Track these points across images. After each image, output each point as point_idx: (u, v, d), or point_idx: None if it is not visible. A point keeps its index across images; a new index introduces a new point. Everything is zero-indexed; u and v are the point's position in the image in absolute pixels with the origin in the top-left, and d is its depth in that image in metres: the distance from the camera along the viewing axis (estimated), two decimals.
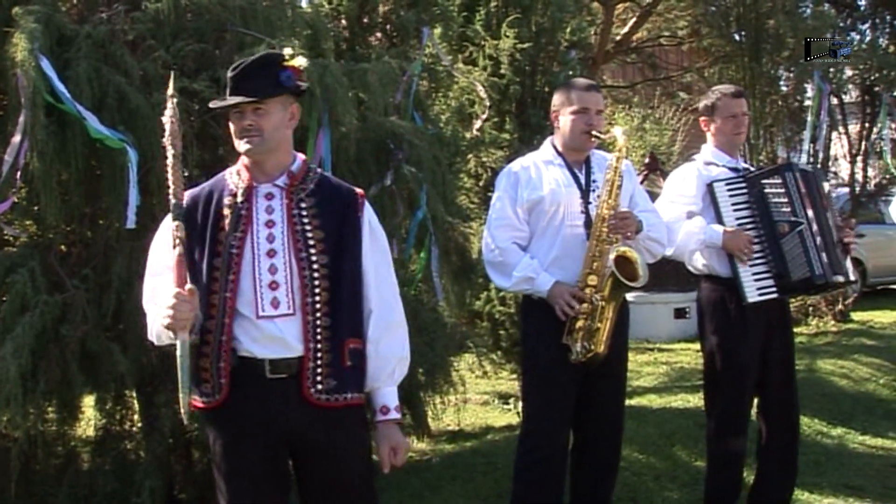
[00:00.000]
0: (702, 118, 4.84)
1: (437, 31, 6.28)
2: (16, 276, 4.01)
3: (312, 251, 2.92)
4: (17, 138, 3.94)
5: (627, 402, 4.35)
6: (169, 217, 2.93)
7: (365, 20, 5.88)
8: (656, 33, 12.92)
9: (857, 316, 11.40)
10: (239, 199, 2.98)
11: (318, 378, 2.88)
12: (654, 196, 4.74)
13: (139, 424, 4.61)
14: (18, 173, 4.00)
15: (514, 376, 7.70)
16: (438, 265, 5.34)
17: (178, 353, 2.82)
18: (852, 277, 4.77)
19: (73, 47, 4.13)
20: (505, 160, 6.25)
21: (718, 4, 10.25)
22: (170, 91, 2.90)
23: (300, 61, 2.98)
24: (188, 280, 2.82)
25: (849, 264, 4.77)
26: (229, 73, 2.96)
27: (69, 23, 4.27)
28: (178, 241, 2.82)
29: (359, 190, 3.10)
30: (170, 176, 2.87)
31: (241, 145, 2.95)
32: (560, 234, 4.10)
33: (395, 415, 3.03)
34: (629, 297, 4.36)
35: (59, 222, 4.34)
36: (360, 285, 2.98)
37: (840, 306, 10.95)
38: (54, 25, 4.13)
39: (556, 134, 4.25)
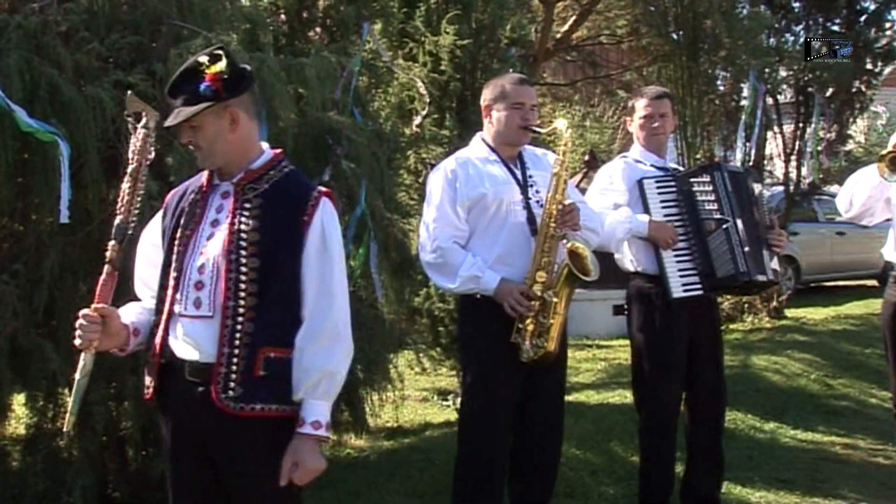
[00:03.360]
0: (626, 118, 4.94)
1: (378, 26, 6.27)
2: None
3: (243, 252, 2.81)
4: None
5: (565, 398, 4.37)
6: (155, 217, 2.98)
7: (304, 15, 5.85)
8: (596, 32, 13.00)
9: (790, 313, 11.62)
10: (198, 197, 2.96)
11: (231, 385, 2.77)
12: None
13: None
14: None
15: (454, 373, 7.72)
16: (377, 261, 5.34)
17: (77, 373, 2.79)
18: (774, 277, 4.84)
19: (3, 38, 4.04)
20: (444, 156, 6.23)
21: (657, 4, 10.33)
22: (127, 112, 2.85)
23: (220, 65, 2.82)
24: (107, 301, 2.79)
25: (775, 264, 4.84)
26: (166, 89, 2.89)
27: None
28: (108, 261, 2.78)
29: (321, 190, 2.93)
30: (121, 194, 2.82)
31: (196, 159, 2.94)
32: (503, 231, 4.04)
33: (308, 429, 2.79)
34: None
35: None
36: (296, 293, 2.83)
37: (774, 303, 11.15)
38: None
39: (487, 129, 4.19)
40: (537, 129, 4.14)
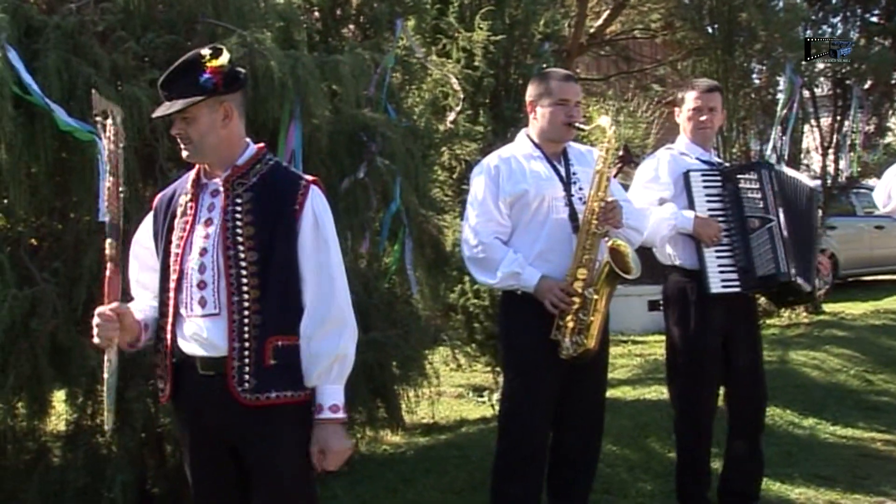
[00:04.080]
0: (675, 108, 4.88)
1: (411, 23, 6.26)
2: None
3: (241, 248, 2.85)
4: None
5: None
6: (145, 220, 3.01)
7: (338, 12, 5.85)
8: (630, 26, 12.94)
9: (828, 308, 11.50)
10: (188, 197, 2.98)
11: (245, 377, 2.82)
12: (626, 188, 4.75)
13: None
14: None
15: (489, 369, 7.72)
16: (412, 258, 5.33)
17: (105, 372, 2.85)
18: (813, 290, 4.78)
19: (41, 38, 4.09)
20: (479, 153, 6.24)
21: None
22: (105, 109, 2.86)
23: (221, 60, 2.87)
24: (116, 298, 2.83)
25: (817, 281, 4.79)
26: (159, 81, 2.91)
27: (37, 13, 4.22)
28: (108, 259, 2.82)
29: (308, 178, 2.97)
30: (105, 194, 2.86)
31: (183, 151, 2.95)
32: (545, 228, 4.03)
33: (327, 414, 2.86)
34: None
35: (28, 215, 4.31)
36: (296, 281, 2.88)
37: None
38: (22, 16, 4.08)
39: (532, 126, 4.18)
40: (581, 126, 4.11)
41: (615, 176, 4.36)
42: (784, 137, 9.37)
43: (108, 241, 2.83)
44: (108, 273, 2.83)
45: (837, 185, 11.27)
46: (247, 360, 2.82)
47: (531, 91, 4.19)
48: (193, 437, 2.99)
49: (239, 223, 2.88)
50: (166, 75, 2.89)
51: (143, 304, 3.04)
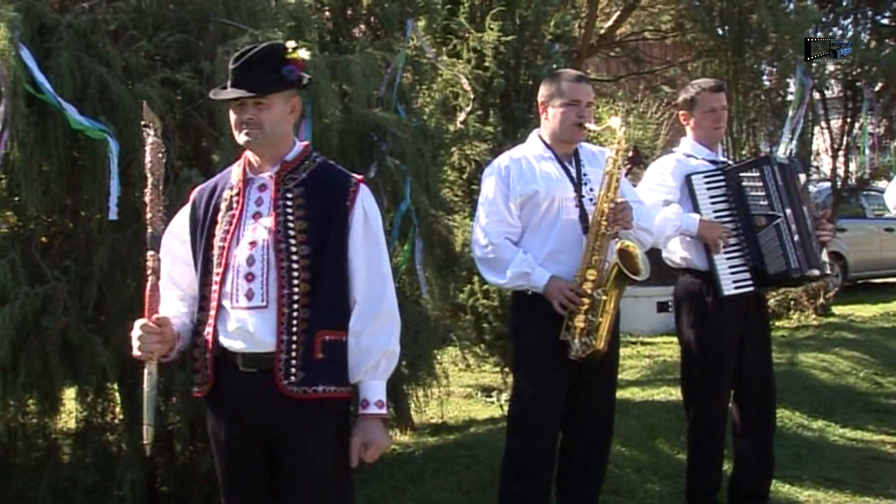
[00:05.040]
0: (681, 112, 4.86)
1: (422, 23, 6.26)
2: None
3: (293, 241, 2.88)
4: None
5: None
6: (180, 214, 3.03)
7: (349, 12, 5.86)
8: (640, 27, 12.92)
9: (837, 310, 11.48)
10: (233, 192, 2.99)
11: (292, 370, 2.84)
12: None
13: (121, 417, 4.58)
14: None
15: (497, 369, 7.72)
16: (422, 258, 5.33)
17: (145, 385, 2.85)
18: (827, 270, 4.78)
19: (54, 37, 4.10)
20: (489, 153, 6.24)
21: None
22: (145, 121, 2.87)
23: (303, 54, 2.95)
24: (158, 310, 2.84)
25: (824, 256, 4.78)
26: (231, 64, 2.92)
27: (50, 12, 4.24)
28: (151, 271, 2.82)
29: (357, 177, 3.03)
30: (148, 206, 2.85)
31: (240, 137, 2.94)
32: (555, 228, 4.03)
33: (374, 409, 2.92)
34: None
35: (40, 213, 4.33)
36: (345, 276, 2.92)
37: (821, 300, 11.01)
38: (35, 15, 4.10)
39: (544, 126, 4.18)
40: (591, 127, 4.10)
41: (625, 176, 4.36)
42: (794, 140, 9.35)
43: (150, 252, 2.83)
44: (149, 285, 2.82)
45: (847, 188, 11.25)
46: (294, 354, 2.84)
47: (543, 92, 4.19)
48: (230, 434, 2.97)
49: (291, 217, 2.90)
50: (244, 60, 2.90)
51: (173, 310, 3.02)
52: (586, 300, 3.91)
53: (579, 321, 3.93)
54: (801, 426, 6.60)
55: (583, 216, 4.02)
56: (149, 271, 2.82)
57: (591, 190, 4.05)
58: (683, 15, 11.04)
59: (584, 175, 4.10)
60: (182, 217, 3.09)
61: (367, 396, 2.93)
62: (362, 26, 5.97)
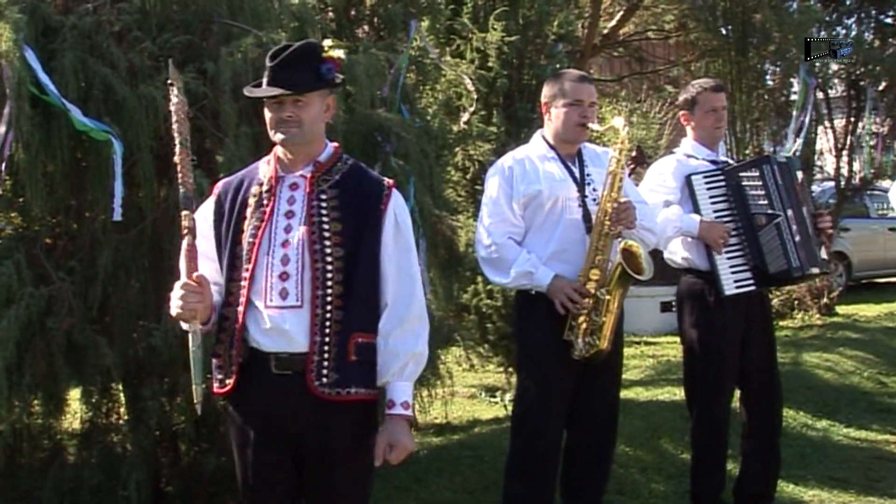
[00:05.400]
0: (682, 112, 4.86)
1: (425, 23, 6.26)
2: (1, 268, 3.98)
3: (327, 243, 2.88)
4: (1, 129, 3.92)
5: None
6: (202, 208, 2.99)
7: (352, 12, 5.87)
8: (643, 27, 12.92)
9: (841, 309, 11.47)
10: (264, 188, 2.98)
11: (324, 371, 2.84)
12: None
13: (125, 417, 4.59)
14: (3, 165, 3.97)
15: (501, 369, 7.72)
16: (426, 258, 5.33)
17: (191, 345, 2.83)
18: (828, 268, 4.78)
19: (58, 38, 4.11)
20: (492, 153, 6.24)
21: None
22: (170, 79, 2.85)
23: (339, 53, 2.96)
24: (197, 268, 2.81)
25: (825, 254, 4.78)
26: (268, 62, 2.92)
27: (54, 13, 4.25)
28: (186, 230, 2.79)
29: (388, 181, 3.04)
30: (178, 164, 2.82)
31: (276, 135, 2.93)
32: (558, 228, 4.04)
33: (400, 410, 2.93)
34: None
35: (44, 214, 4.33)
36: (377, 279, 2.93)
37: (825, 300, 11.01)
38: (39, 16, 4.11)
39: (547, 127, 4.19)
40: (594, 127, 4.11)
41: (629, 176, 4.36)
42: (799, 140, 9.34)
43: (185, 212, 2.80)
44: (185, 245, 2.79)
45: (851, 187, 11.24)
46: (326, 355, 2.85)
47: (546, 92, 4.19)
48: (257, 433, 2.95)
49: (325, 218, 2.91)
50: (281, 58, 2.89)
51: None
52: (589, 300, 3.91)
53: (583, 321, 3.93)
54: (805, 426, 6.60)
55: (586, 216, 4.03)
56: (184, 230, 2.79)
57: (595, 190, 4.05)
58: (687, 14, 11.04)
59: (588, 175, 4.11)
60: (205, 211, 3.06)
61: (393, 397, 2.93)
62: (366, 27, 5.98)
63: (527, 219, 4.09)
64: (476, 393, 7.73)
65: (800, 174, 4.86)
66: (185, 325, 2.84)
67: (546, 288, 3.97)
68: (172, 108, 2.83)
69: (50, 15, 4.18)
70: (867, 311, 11.82)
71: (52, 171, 4.18)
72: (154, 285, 4.39)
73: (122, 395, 4.59)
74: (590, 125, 4.07)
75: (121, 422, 4.61)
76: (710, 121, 4.71)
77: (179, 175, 2.82)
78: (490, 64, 6.93)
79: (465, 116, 6.52)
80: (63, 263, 4.23)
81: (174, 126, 2.83)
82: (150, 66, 4.29)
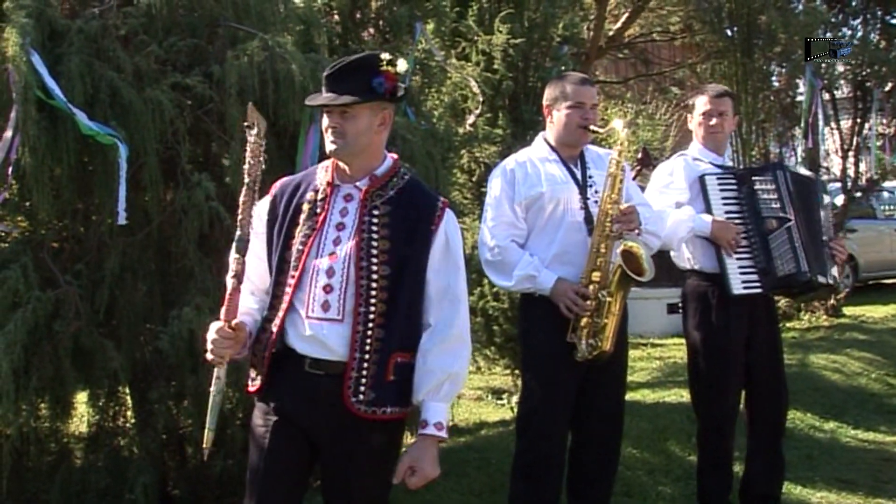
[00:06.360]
0: (688, 115, 4.89)
1: (430, 26, 6.27)
2: (7, 272, 3.99)
3: (374, 261, 2.85)
4: (8, 133, 3.93)
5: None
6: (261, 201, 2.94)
7: (357, 15, 5.87)
8: (649, 29, 12.90)
9: (848, 311, 11.44)
10: (318, 196, 2.95)
11: (361, 388, 2.82)
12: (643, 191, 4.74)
13: (132, 421, 4.59)
14: (10, 169, 3.98)
15: (508, 372, 7.71)
16: None
17: (213, 389, 2.82)
18: (834, 282, 4.75)
19: (64, 42, 4.12)
20: (498, 155, 6.24)
21: (710, 0, 10.24)
22: (246, 122, 2.82)
23: (400, 66, 2.89)
24: (236, 315, 2.80)
25: (835, 272, 4.76)
26: (325, 72, 2.91)
27: (61, 17, 4.25)
28: (234, 274, 2.77)
29: (443, 199, 3.00)
30: (240, 207, 2.80)
31: (327, 144, 2.92)
32: (560, 230, 4.04)
33: (432, 430, 2.88)
34: None
35: (51, 218, 4.34)
36: (421, 299, 2.91)
37: (832, 301, 10.98)
38: (46, 20, 4.11)
39: (549, 129, 4.19)
40: (596, 129, 4.11)
41: (634, 178, 4.36)
42: (808, 141, 9.31)
43: (235, 256, 2.78)
44: (230, 289, 2.77)
45: (857, 188, 11.21)
46: (365, 372, 2.83)
47: (548, 94, 4.20)
48: (278, 429, 2.92)
49: (375, 235, 2.88)
50: (337, 69, 2.88)
51: (244, 305, 2.95)
52: (591, 302, 3.91)
53: (585, 323, 3.93)
54: (812, 427, 6.59)
55: (588, 218, 4.02)
56: (231, 274, 2.77)
57: (596, 192, 4.05)
58: (692, 16, 11.03)
59: (590, 177, 4.11)
60: (260, 210, 3.01)
61: (426, 417, 2.89)
62: (371, 29, 5.98)
63: (529, 221, 4.08)
64: (482, 395, 7.72)
65: (826, 198, 4.84)
66: (212, 360, 2.83)
67: (549, 291, 3.97)
68: (248, 149, 2.80)
69: (56, 19, 4.18)
70: (874, 312, 11.79)
71: (59, 174, 4.18)
72: (161, 289, 4.40)
73: (128, 398, 4.60)
74: (591, 127, 4.07)
75: (128, 425, 4.62)
76: (704, 125, 4.72)
77: (240, 216, 2.79)
78: (495, 66, 6.94)
79: (470, 119, 6.53)
80: (70, 267, 4.24)
81: (245, 167, 2.80)
82: (157, 69, 4.30)
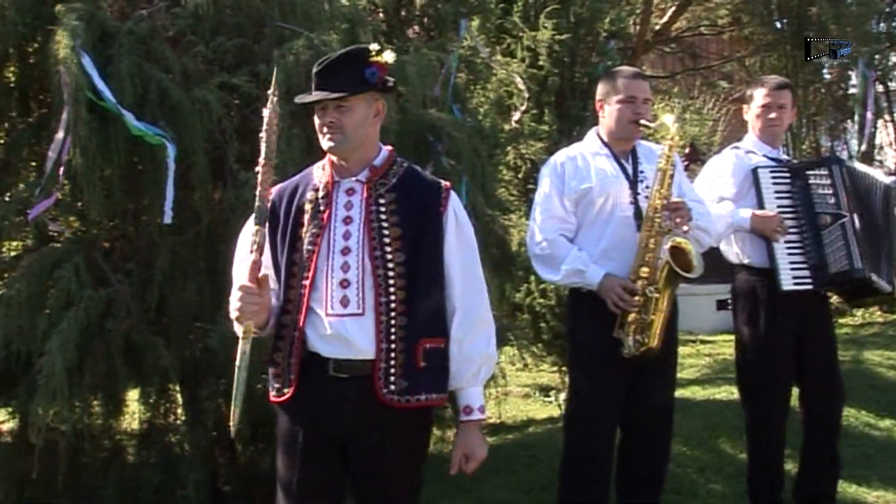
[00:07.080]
0: (743, 106, 4.80)
1: (475, 23, 6.26)
2: (61, 271, 4.05)
3: (388, 249, 2.84)
4: (60, 135, 3.98)
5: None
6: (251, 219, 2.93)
7: (403, 13, 5.89)
8: (696, 22, 12.77)
9: None
10: (320, 194, 2.94)
11: (391, 378, 2.80)
12: None
13: (183, 418, 4.64)
14: (62, 170, 4.03)
15: (555, 369, 7.69)
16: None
17: (238, 363, 2.78)
18: (891, 287, 4.62)
19: (114, 44, 4.17)
20: (544, 152, 6.23)
21: None
22: (270, 90, 2.83)
23: (387, 57, 2.89)
24: (257, 278, 2.78)
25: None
26: (314, 69, 2.91)
27: (111, 19, 4.31)
28: (255, 245, 2.77)
29: (444, 183, 2.99)
30: (259, 176, 2.80)
31: (324, 142, 2.91)
32: (610, 225, 4.00)
33: (477, 415, 2.91)
34: None
35: (102, 218, 4.39)
36: (442, 283, 2.89)
37: None
38: (96, 22, 4.17)
39: (602, 124, 4.16)
40: (647, 123, 4.07)
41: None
42: (865, 133, 9.15)
43: (256, 227, 2.77)
44: (253, 258, 2.75)
45: None
46: (393, 362, 2.81)
47: (600, 90, 4.17)
48: (308, 438, 2.90)
49: (385, 223, 2.87)
50: (326, 64, 2.88)
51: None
52: (639, 298, 3.88)
53: (632, 318, 3.89)
54: (868, 425, 6.47)
55: (638, 213, 3.98)
56: (253, 246, 2.76)
57: (647, 188, 4.01)
58: (741, 9, 10.90)
59: (641, 172, 4.06)
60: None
61: (470, 403, 2.91)
62: (416, 27, 6.00)
63: (578, 215, 4.05)
64: (530, 392, 7.70)
65: None
66: (238, 332, 2.79)
67: (597, 286, 3.94)
68: (265, 116, 2.80)
69: (106, 21, 4.24)
70: None
71: (109, 175, 4.23)
72: (210, 287, 4.43)
73: (179, 395, 4.65)
74: (643, 121, 4.03)
75: (178, 422, 4.67)
76: (762, 118, 4.64)
77: (259, 187, 2.79)
78: (541, 62, 6.92)
79: (516, 115, 6.52)
80: (121, 266, 4.29)
81: (262, 135, 2.80)
82: (204, 69, 4.34)
